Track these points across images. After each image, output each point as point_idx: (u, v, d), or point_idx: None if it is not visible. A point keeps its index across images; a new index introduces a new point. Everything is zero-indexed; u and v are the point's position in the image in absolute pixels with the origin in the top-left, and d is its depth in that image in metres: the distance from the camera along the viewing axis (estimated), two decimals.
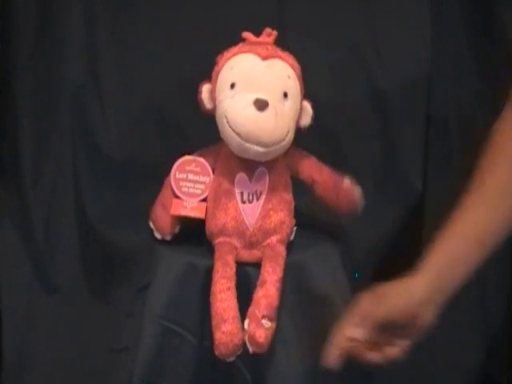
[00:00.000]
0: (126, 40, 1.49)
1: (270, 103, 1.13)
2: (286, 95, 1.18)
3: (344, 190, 1.27)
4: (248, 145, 1.14)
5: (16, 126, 1.50)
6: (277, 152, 1.18)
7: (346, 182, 1.27)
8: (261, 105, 1.13)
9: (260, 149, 1.15)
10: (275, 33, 1.21)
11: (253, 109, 1.13)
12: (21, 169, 1.51)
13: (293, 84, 1.19)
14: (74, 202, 1.54)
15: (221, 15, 1.48)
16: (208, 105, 1.21)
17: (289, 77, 1.19)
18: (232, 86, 1.17)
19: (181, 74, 1.46)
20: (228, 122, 1.15)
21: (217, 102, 1.19)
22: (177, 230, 1.26)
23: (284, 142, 1.17)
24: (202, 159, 1.24)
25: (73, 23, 1.47)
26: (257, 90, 1.15)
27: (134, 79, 1.50)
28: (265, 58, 1.18)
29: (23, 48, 1.48)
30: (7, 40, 1.46)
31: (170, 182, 1.25)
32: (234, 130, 1.14)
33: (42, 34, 1.48)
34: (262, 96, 1.14)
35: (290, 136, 1.18)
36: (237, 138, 1.15)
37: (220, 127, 1.18)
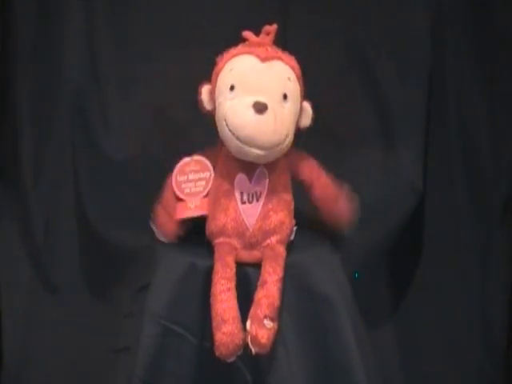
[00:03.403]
0: (125, 40, 1.49)
1: (269, 106, 1.13)
2: (285, 97, 1.17)
3: (338, 207, 1.27)
4: (247, 148, 1.14)
5: (16, 126, 1.50)
6: (276, 155, 1.18)
7: (341, 203, 1.27)
8: (260, 108, 1.12)
9: (259, 152, 1.15)
10: (275, 27, 1.20)
11: (252, 112, 1.13)
12: (21, 169, 1.51)
13: (293, 86, 1.19)
14: (74, 201, 1.54)
15: (222, 15, 1.47)
16: (208, 106, 1.21)
17: (289, 78, 1.18)
18: (231, 88, 1.16)
19: (181, 74, 1.46)
20: (227, 125, 1.15)
21: (216, 104, 1.19)
22: (182, 233, 1.25)
23: (283, 145, 1.17)
24: (199, 157, 1.24)
25: (73, 24, 1.47)
26: (256, 92, 1.15)
27: (133, 79, 1.50)
28: (264, 59, 1.17)
29: (23, 48, 1.48)
30: (7, 40, 1.46)
31: (171, 186, 1.24)
32: (233, 133, 1.14)
33: (42, 34, 1.48)
34: (261, 99, 1.14)
35: (290, 139, 1.18)
36: (236, 141, 1.14)
37: (219, 129, 1.18)
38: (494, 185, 1.51)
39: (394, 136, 1.52)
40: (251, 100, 1.13)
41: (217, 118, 1.18)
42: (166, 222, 1.25)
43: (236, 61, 1.18)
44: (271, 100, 1.15)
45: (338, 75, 1.51)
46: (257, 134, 1.13)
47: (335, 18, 1.50)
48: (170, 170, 1.25)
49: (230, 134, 1.15)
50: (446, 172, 1.53)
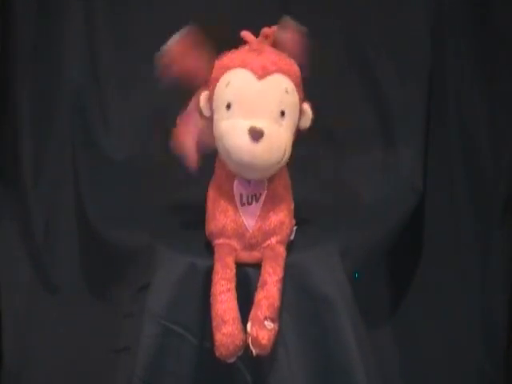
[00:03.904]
0: (125, 40, 1.50)
1: (265, 130, 1.11)
2: (283, 113, 1.15)
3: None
4: (243, 170, 1.15)
5: (16, 126, 1.50)
6: (273, 172, 1.18)
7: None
8: (255, 135, 1.11)
9: (255, 174, 1.16)
10: (274, 30, 1.18)
11: (247, 138, 1.11)
12: (21, 169, 1.51)
13: (291, 98, 1.16)
14: (74, 201, 1.54)
15: (222, 15, 1.47)
16: (207, 113, 1.19)
17: (286, 91, 1.15)
18: (228, 106, 1.14)
19: None
20: (224, 145, 1.14)
21: (214, 118, 1.17)
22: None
23: (280, 164, 1.16)
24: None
25: (73, 24, 1.47)
26: (252, 114, 1.13)
27: (133, 79, 1.50)
28: (261, 76, 1.13)
29: (23, 48, 1.48)
30: (7, 40, 1.46)
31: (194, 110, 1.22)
32: (229, 155, 1.14)
33: (42, 34, 1.48)
34: (258, 123, 1.12)
35: (287, 154, 1.16)
36: (232, 163, 1.15)
37: (216, 144, 1.16)
38: (494, 185, 1.51)
39: (393, 136, 1.52)
40: (247, 124, 1.11)
41: (214, 134, 1.17)
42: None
43: (233, 74, 1.15)
44: (268, 121, 1.13)
45: (338, 75, 1.51)
46: (253, 160, 1.12)
47: (335, 18, 1.50)
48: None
49: (226, 154, 1.14)
50: (446, 172, 1.53)
